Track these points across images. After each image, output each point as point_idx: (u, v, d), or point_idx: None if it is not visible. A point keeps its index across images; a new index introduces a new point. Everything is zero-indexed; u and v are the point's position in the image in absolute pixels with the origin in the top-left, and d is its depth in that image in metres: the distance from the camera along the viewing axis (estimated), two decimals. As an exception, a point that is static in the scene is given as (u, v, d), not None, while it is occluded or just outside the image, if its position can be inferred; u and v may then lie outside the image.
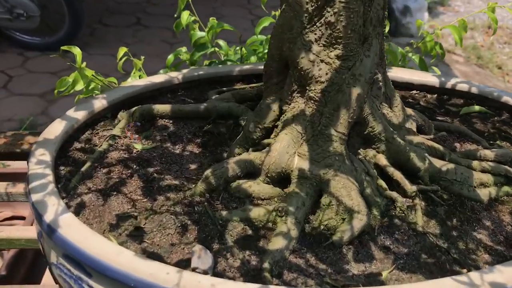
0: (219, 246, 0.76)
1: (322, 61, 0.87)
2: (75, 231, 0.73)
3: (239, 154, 0.95)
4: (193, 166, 0.95)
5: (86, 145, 1.00)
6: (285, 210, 0.80)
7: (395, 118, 1.01)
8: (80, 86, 1.17)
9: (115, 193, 0.86)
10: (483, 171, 0.95)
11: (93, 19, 3.80)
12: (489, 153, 0.98)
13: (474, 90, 1.24)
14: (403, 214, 0.85)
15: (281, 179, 0.89)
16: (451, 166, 0.92)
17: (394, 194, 0.88)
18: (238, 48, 1.55)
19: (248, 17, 4.04)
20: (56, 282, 0.95)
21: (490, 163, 0.96)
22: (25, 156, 1.35)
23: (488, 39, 3.94)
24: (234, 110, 1.08)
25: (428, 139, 1.00)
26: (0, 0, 2.99)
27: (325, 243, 0.79)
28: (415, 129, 1.03)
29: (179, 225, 0.79)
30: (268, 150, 0.90)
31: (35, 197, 0.80)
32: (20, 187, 1.20)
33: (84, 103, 1.07)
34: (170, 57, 1.52)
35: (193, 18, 1.46)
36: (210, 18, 1.48)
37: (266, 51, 1.50)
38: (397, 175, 0.90)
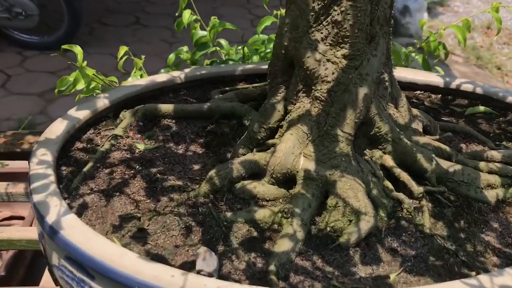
0: (224, 248, 0.75)
1: (328, 60, 0.86)
2: (78, 233, 0.72)
3: (244, 154, 0.94)
4: (196, 167, 0.93)
5: (88, 145, 0.99)
6: (291, 211, 0.79)
7: (401, 119, 1.00)
8: (81, 85, 1.15)
9: (117, 193, 0.85)
10: (490, 172, 0.94)
11: (92, 18, 3.78)
12: (496, 154, 0.97)
13: (478, 90, 1.23)
14: (410, 216, 0.84)
15: (286, 180, 0.87)
16: (458, 167, 0.91)
17: (401, 196, 0.86)
18: (239, 47, 1.54)
19: (248, 17, 4.03)
20: (57, 284, 0.94)
21: (497, 164, 0.95)
22: (25, 155, 1.34)
23: (487, 39, 3.94)
24: (238, 110, 1.07)
25: (434, 140, 0.99)
26: None
27: (332, 245, 0.78)
28: (421, 130, 1.02)
29: (183, 226, 0.78)
30: (273, 150, 0.89)
31: (36, 197, 0.78)
32: (20, 187, 1.19)
33: (85, 103, 1.06)
34: (171, 57, 1.50)
35: (194, 17, 1.45)
36: (212, 17, 1.47)
37: (268, 50, 1.49)
38: (404, 176, 0.89)
